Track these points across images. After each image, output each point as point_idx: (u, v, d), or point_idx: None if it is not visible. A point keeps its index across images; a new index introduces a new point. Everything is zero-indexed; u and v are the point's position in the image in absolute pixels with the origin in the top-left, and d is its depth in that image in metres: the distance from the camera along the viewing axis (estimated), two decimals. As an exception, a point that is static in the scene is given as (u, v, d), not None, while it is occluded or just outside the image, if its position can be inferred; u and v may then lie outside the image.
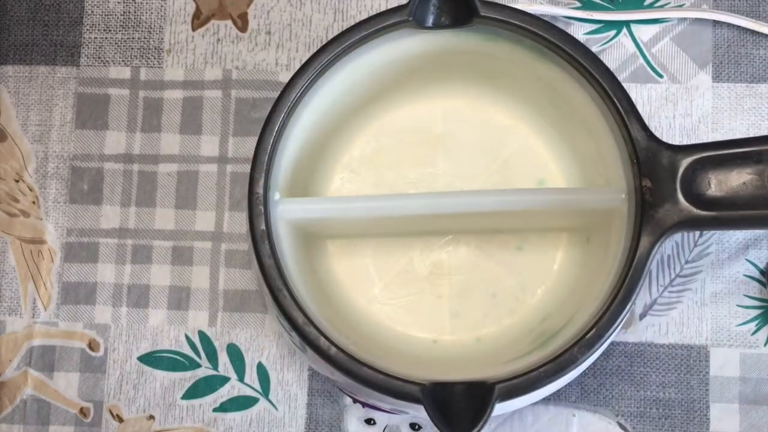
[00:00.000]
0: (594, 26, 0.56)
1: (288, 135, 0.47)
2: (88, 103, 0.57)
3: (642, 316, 0.54)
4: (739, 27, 0.55)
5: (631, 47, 0.56)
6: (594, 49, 0.55)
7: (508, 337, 0.50)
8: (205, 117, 0.56)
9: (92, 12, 0.57)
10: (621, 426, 0.53)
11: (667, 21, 0.56)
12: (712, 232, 0.54)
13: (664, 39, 0.56)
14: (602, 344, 0.44)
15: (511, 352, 0.47)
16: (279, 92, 0.46)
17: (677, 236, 0.54)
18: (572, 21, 0.56)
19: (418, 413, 0.47)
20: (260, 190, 0.46)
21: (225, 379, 0.54)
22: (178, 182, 0.56)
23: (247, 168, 0.53)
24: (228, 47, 0.57)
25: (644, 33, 0.56)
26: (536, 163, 0.51)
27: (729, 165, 0.45)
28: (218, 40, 0.57)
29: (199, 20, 0.57)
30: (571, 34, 0.48)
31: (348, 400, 0.54)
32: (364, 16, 0.55)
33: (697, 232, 0.54)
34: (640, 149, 0.45)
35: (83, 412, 0.54)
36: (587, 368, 0.49)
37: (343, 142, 0.51)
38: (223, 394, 0.54)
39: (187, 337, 0.55)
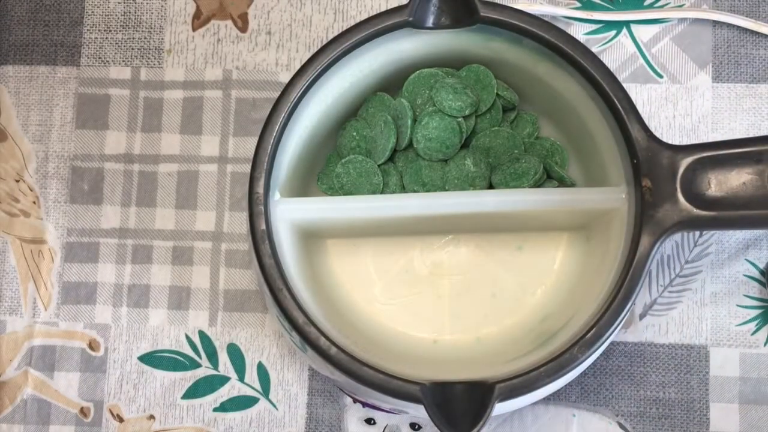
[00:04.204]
0: (594, 26, 0.56)
1: (288, 135, 0.47)
2: (89, 103, 0.57)
3: (642, 316, 0.54)
4: (739, 27, 0.56)
5: (631, 47, 0.56)
6: (594, 49, 0.55)
7: (508, 336, 0.50)
8: (206, 117, 0.56)
9: (93, 12, 0.57)
10: (621, 426, 0.53)
11: (667, 21, 0.56)
12: (712, 232, 0.54)
13: (664, 39, 0.56)
14: (602, 344, 0.44)
15: (511, 351, 0.47)
16: (279, 92, 0.46)
17: (677, 236, 0.54)
18: (572, 21, 0.56)
19: (418, 413, 0.47)
20: (260, 190, 0.46)
21: (225, 379, 0.54)
22: (178, 182, 0.56)
23: (248, 168, 0.53)
24: (228, 47, 0.57)
25: (644, 33, 0.56)
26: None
27: (729, 165, 0.45)
28: (218, 40, 0.57)
29: (199, 20, 0.57)
30: (571, 34, 0.48)
31: (348, 400, 0.54)
32: (364, 16, 0.55)
33: (697, 232, 0.54)
34: (640, 149, 0.45)
35: (83, 411, 0.54)
36: (587, 368, 0.49)
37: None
38: (223, 393, 0.54)
39: (187, 337, 0.55)
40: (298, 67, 0.48)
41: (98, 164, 0.56)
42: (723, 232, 0.54)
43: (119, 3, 0.57)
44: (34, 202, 0.56)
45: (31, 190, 0.56)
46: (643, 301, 0.54)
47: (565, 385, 0.52)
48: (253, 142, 0.50)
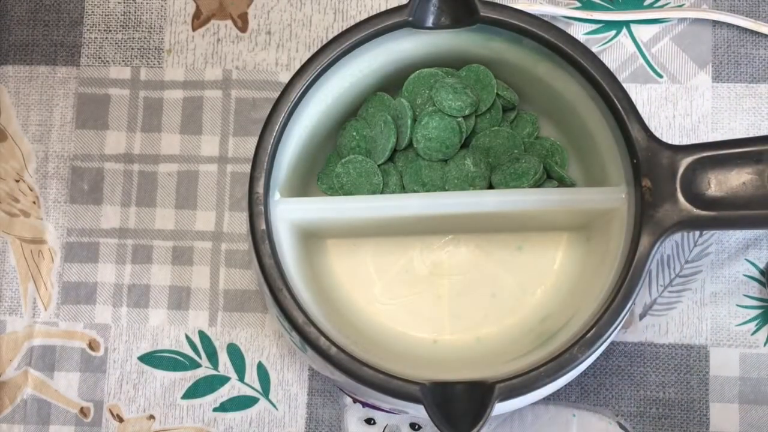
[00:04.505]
0: (594, 26, 0.56)
1: (288, 135, 0.47)
2: (89, 103, 0.57)
3: (642, 316, 0.54)
4: (738, 27, 0.56)
5: (631, 47, 0.56)
6: (594, 49, 0.55)
7: (508, 336, 0.50)
8: (206, 117, 0.56)
9: (92, 12, 0.57)
10: (621, 426, 0.53)
11: (666, 21, 0.56)
12: (712, 232, 0.54)
13: (663, 39, 0.56)
14: (602, 344, 0.44)
15: (511, 351, 0.47)
16: (279, 92, 0.47)
17: (677, 236, 0.54)
18: (572, 21, 0.56)
19: (418, 413, 0.47)
20: (260, 190, 0.46)
21: (225, 379, 0.54)
22: (178, 182, 0.56)
23: (247, 168, 0.53)
24: (228, 47, 0.57)
25: (644, 33, 0.56)
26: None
27: (729, 165, 0.46)
28: (218, 40, 0.57)
29: (199, 20, 0.57)
30: (571, 34, 0.48)
31: (348, 400, 0.54)
32: (364, 16, 0.55)
33: (697, 232, 0.54)
34: (639, 149, 0.45)
35: (83, 411, 0.55)
36: (587, 368, 0.49)
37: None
38: (223, 393, 0.54)
39: (187, 337, 0.55)
40: (298, 67, 0.48)
41: (98, 164, 0.56)
42: (723, 232, 0.54)
43: (119, 3, 0.57)
44: (34, 202, 0.56)
45: (31, 190, 0.56)
46: (643, 301, 0.54)
47: (565, 385, 0.52)
48: (253, 142, 0.50)
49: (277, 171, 0.47)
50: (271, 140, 0.46)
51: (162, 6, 0.57)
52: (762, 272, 0.54)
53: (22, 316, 0.55)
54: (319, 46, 0.48)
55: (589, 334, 0.44)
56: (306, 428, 0.54)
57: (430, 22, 0.48)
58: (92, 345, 0.55)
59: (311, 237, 0.50)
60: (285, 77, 0.56)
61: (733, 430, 0.53)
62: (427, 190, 0.50)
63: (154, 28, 0.57)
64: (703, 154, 0.46)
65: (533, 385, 0.44)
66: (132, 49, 0.57)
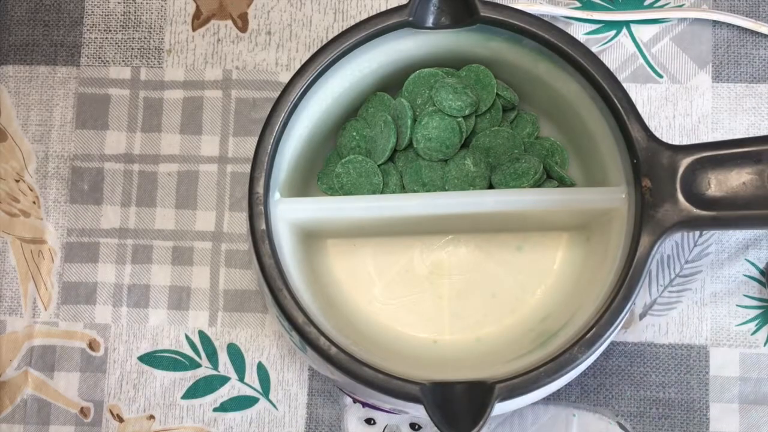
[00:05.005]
0: (594, 26, 0.56)
1: (288, 135, 0.47)
2: (89, 103, 0.57)
3: (642, 316, 0.54)
4: (738, 27, 0.56)
5: (631, 47, 0.56)
6: (594, 49, 0.55)
7: (508, 336, 0.50)
8: (206, 117, 0.56)
9: (92, 12, 0.57)
10: (621, 426, 0.53)
11: (666, 21, 0.56)
12: (712, 232, 0.54)
13: (663, 39, 0.56)
14: (602, 344, 0.44)
15: (511, 351, 0.47)
16: (279, 92, 0.47)
17: (677, 236, 0.54)
18: (572, 21, 0.56)
19: (418, 413, 0.47)
20: (260, 190, 0.46)
21: (225, 379, 0.54)
22: (178, 182, 0.56)
23: (247, 168, 0.53)
24: (228, 47, 0.57)
25: (644, 33, 0.56)
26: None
27: (729, 165, 0.46)
28: (218, 40, 0.57)
29: (199, 20, 0.57)
30: (571, 34, 0.48)
31: (348, 400, 0.54)
32: (365, 16, 0.55)
33: (697, 232, 0.54)
34: (639, 149, 0.45)
35: (83, 411, 0.55)
36: (587, 368, 0.49)
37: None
38: (223, 393, 0.54)
39: (187, 337, 0.55)
40: (298, 67, 0.48)
41: (98, 164, 0.56)
42: (723, 232, 0.54)
43: (119, 3, 0.57)
44: (34, 202, 0.56)
45: (31, 190, 0.56)
46: (643, 301, 0.54)
47: (565, 385, 0.52)
48: (253, 142, 0.50)
49: (277, 171, 0.47)
50: (271, 140, 0.46)
51: (162, 6, 0.57)
52: (762, 272, 0.54)
53: (22, 316, 0.55)
54: (319, 46, 0.48)
55: (589, 334, 0.44)
56: (306, 428, 0.54)
57: (430, 22, 0.48)
58: (92, 345, 0.55)
59: (311, 237, 0.50)
60: (285, 77, 0.56)
61: (733, 430, 0.53)
62: (427, 190, 0.50)
63: (154, 28, 0.57)
64: (703, 154, 0.46)
65: (533, 385, 0.44)
66: (132, 49, 0.57)
